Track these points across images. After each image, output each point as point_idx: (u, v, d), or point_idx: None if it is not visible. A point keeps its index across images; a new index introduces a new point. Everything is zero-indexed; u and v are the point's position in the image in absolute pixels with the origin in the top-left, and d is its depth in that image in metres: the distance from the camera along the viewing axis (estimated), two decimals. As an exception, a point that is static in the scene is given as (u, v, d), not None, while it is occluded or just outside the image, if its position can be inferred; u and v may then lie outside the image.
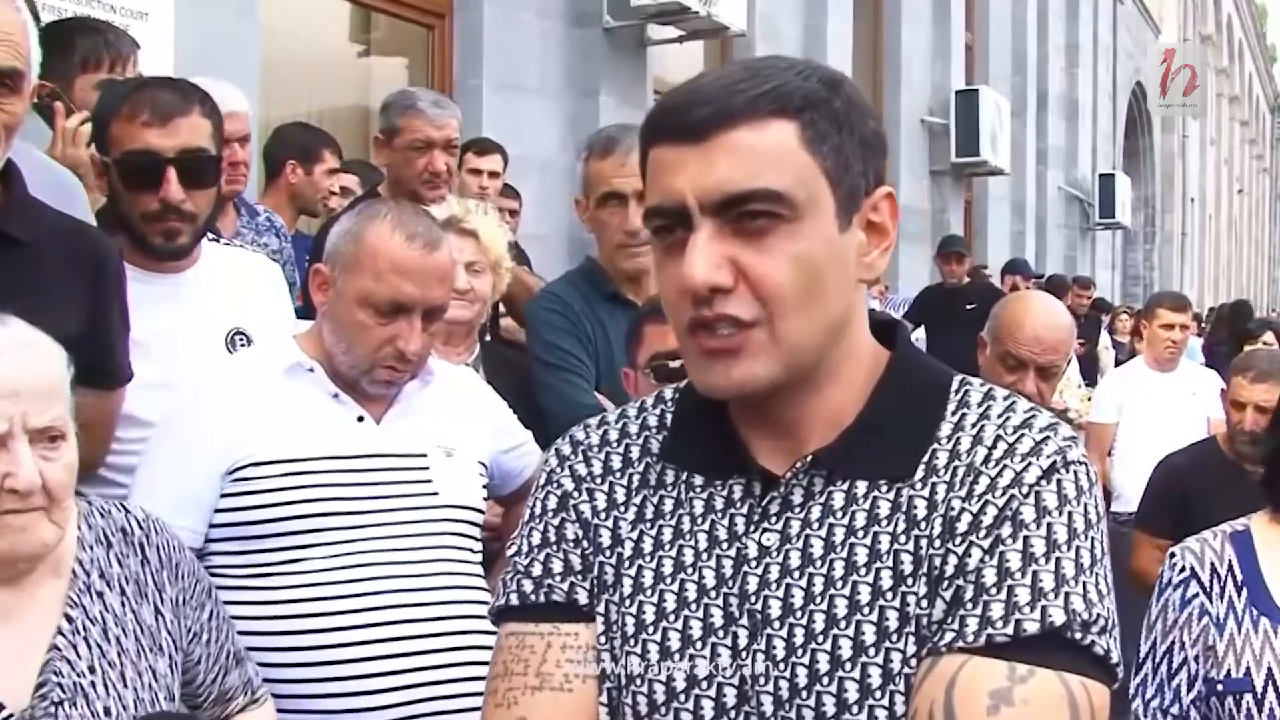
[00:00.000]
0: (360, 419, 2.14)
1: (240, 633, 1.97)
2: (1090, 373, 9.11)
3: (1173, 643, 2.15)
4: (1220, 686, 2.07)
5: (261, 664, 1.96)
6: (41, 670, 1.61)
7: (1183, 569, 2.16)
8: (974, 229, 13.41)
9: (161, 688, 1.70)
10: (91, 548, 1.73)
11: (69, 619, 1.66)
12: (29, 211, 2.09)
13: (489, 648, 2.07)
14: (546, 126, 6.57)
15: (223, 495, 2.05)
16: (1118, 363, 9.19)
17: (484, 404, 2.39)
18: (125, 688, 1.65)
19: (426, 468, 2.14)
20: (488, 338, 3.01)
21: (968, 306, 7.63)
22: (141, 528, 1.78)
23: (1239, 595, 2.10)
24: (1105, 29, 19.14)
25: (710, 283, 1.09)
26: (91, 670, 1.64)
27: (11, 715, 1.57)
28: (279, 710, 1.98)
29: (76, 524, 1.72)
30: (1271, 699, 2.03)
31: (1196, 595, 2.13)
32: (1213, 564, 2.14)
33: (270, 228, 4.03)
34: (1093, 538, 1.10)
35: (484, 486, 2.28)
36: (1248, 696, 2.04)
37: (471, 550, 2.19)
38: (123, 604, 1.72)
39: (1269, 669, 2.04)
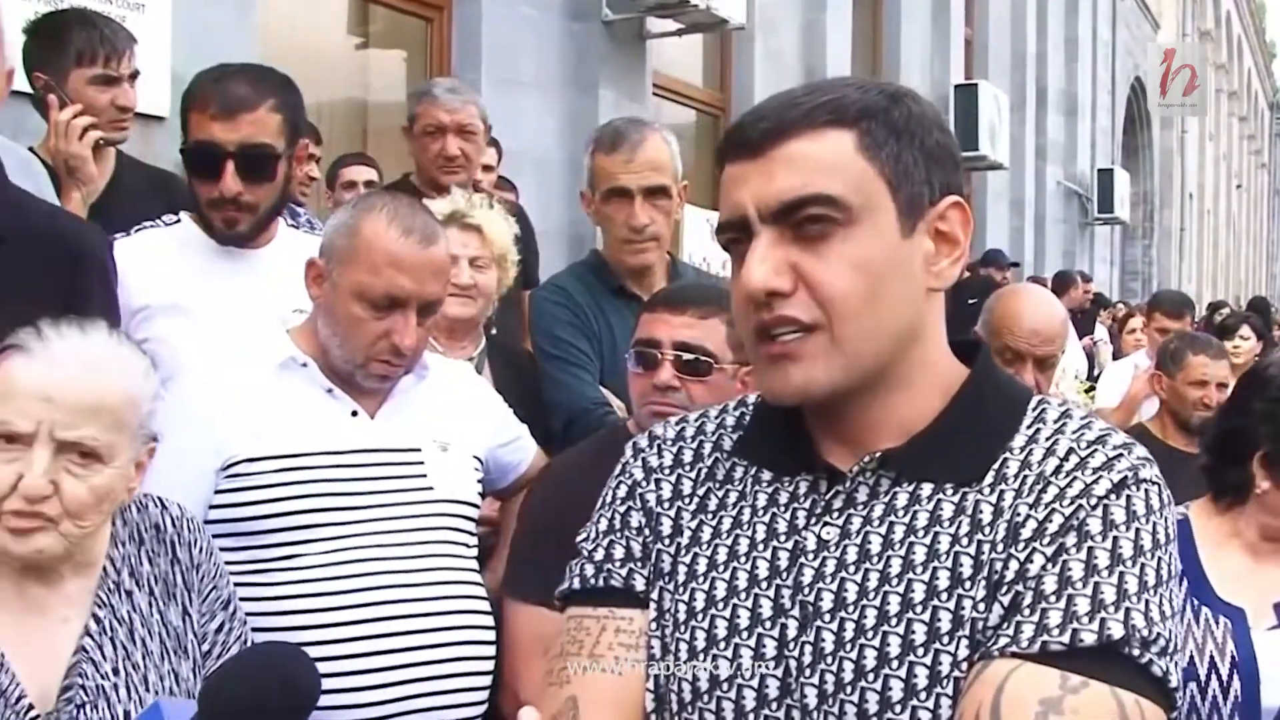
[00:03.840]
0: (354, 414, 2.13)
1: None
2: (1089, 366, 9.11)
3: None
4: None
5: (258, 659, 1.96)
6: (68, 672, 1.61)
7: None
8: (972, 223, 13.39)
9: (183, 691, 1.68)
10: (124, 544, 1.73)
11: (97, 619, 1.66)
12: (9, 205, 2.08)
13: (484, 641, 2.10)
14: (545, 121, 6.54)
15: (217, 491, 2.05)
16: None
17: (479, 398, 2.39)
18: (147, 691, 1.65)
19: (421, 462, 2.14)
20: (494, 331, 2.99)
21: (969, 302, 7.60)
22: (174, 525, 1.78)
23: (1179, 586, 2.12)
24: (1104, 24, 19.11)
25: (768, 287, 1.12)
26: (115, 673, 1.64)
27: (39, 716, 1.57)
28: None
29: (110, 520, 1.71)
30: (1214, 687, 2.09)
31: None
32: None
33: (312, 229, 4.00)
34: (1160, 557, 1.09)
35: (479, 481, 2.27)
36: (1192, 685, 2.10)
37: (466, 545, 2.18)
38: (150, 604, 1.71)
39: (1211, 658, 2.10)
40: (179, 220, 2.56)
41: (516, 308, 3.57)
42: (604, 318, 2.89)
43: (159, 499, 1.81)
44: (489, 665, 2.11)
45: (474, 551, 2.21)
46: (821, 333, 1.12)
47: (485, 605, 2.14)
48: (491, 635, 2.13)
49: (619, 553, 1.27)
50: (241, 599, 2.00)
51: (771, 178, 1.13)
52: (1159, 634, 1.05)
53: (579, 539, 1.32)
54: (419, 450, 2.15)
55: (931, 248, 1.17)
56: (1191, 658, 2.11)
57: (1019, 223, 14.77)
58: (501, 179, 5.05)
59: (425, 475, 2.13)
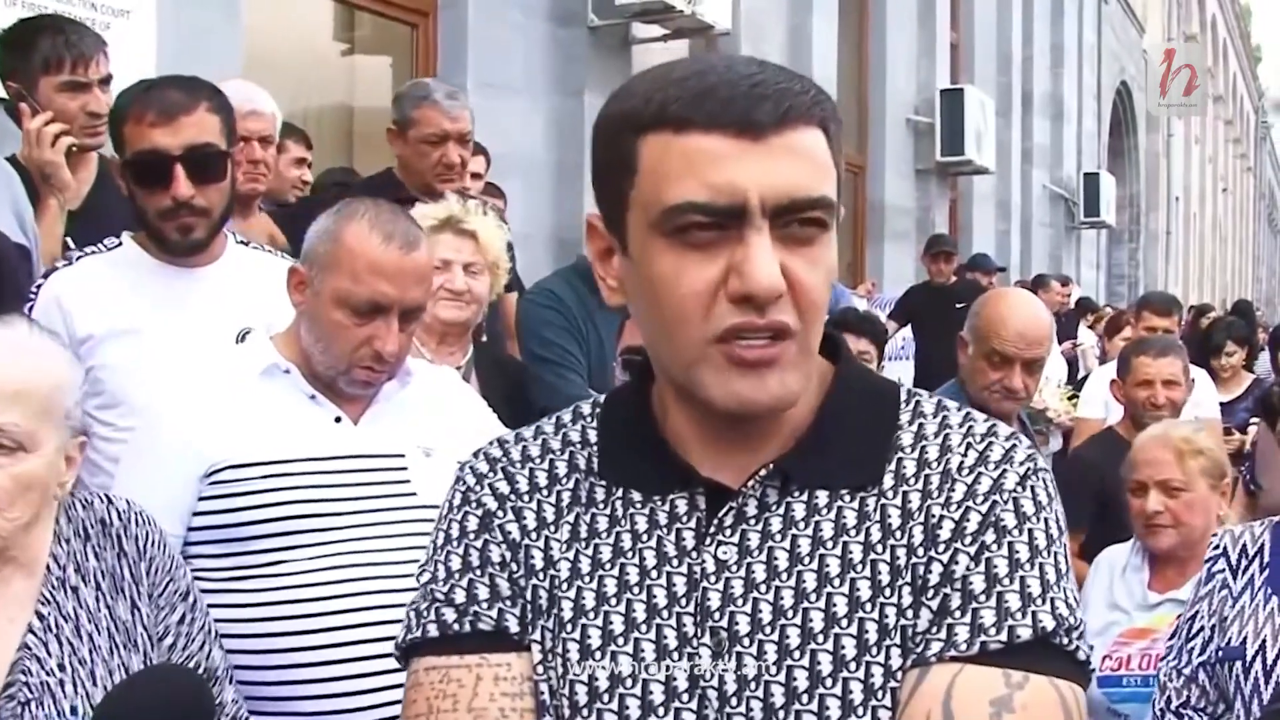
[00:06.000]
0: (338, 420, 2.13)
1: (221, 635, 1.96)
2: (1071, 371, 9.13)
3: (1196, 612, 2.34)
4: (1220, 653, 2.26)
5: (243, 666, 1.95)
6: (10, 669, 1.60)
7: (1217, 547, 2.35)
8: (959, 228, 13.44)
9: None
10: (68, 541, 1.71)
11: (40, 616, 1.64)
12: None
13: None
14: (531, 125, 6.56)
15: (201, 498, 2.04)
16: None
17: (463, 404, 2.38)
18: (95, 686, 1.63)
19: (405, 468, 2.13)
20: (484, 338, 3.00)
21: (957, 306, 7.61)
22: (121, 519, 1.76)
23: (1260, 574, 2.28)
24: (1090, 29, 19.19)
25: (779, 289, 1.03)
26: (61, 668, 1.62)
27: None
28: (262, 713, 1.97)
29: (55, 517, 1.70)
30: (1257, 668, 2.19)
31: (1222, 571, 2.32)
32: (1244, 544, 2.32)
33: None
34: (1064, 543, 1.10)
35: (464, 487, 2.26)
36: (1237, 663, 2.22)
37: (451, 551, 2.18)
38: (97, 599, 1.69)
39: (1263, 641, 2.20)
40: (120, 244, 2.51)
41: (496, 311, 3.56)
42: (592, 322, 2.90)
43: (105, 494, 1.80)
44: (473, 671, 2.11)
45: (458, 557, 2.20)
46: (794, 340, 1.06)
47: (469, 611, 2.14)
48: (476, 641, 2.13)
49: (483, 592, 1.15)
50: (225, 605, 2.00)
51: (778, 167, 1.02)
52: (1079, 618, 1.07)
53: (421, 579, 1.21)
54: (402, 456, 2.14)
55: None
56: (1245, 639, 2.22)
57: (1005, 227, 14.83)
58: (489, 185, 5.06)
59: (409, 481, 2.13)
